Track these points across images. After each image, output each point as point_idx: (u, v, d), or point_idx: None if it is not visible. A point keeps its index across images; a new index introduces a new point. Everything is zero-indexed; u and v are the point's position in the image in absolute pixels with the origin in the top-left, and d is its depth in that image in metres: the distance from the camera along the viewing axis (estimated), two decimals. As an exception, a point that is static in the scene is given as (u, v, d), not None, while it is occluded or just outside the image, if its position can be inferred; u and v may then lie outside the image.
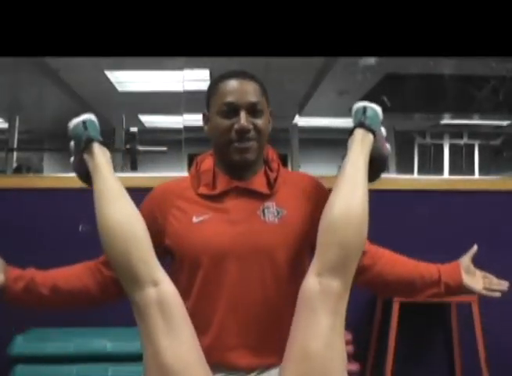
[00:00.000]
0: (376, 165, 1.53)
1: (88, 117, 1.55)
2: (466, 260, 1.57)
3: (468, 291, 1.56)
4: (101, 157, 1.49)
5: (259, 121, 1.47)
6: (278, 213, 1.47)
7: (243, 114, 1.45)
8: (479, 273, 1.58)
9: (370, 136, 1.50)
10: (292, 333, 1.33)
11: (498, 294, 1.56)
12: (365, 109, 1.53)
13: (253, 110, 1.46)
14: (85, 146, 1.49)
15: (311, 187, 1.54)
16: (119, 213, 1.40)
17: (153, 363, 1.30)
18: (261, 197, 1.48)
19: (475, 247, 1.59)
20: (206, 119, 1.53)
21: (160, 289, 1.34)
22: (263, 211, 1.47)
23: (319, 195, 1.52)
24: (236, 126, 1.44)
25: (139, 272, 1.34)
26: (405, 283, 1.55)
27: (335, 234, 1.36)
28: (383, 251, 1.57)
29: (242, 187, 1.49)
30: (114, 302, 1.55)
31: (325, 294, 1.32)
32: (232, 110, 1.45)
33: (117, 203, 1.42)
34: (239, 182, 1.49)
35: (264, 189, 1.49)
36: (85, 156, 1.50)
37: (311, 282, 1.34)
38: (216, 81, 1.52)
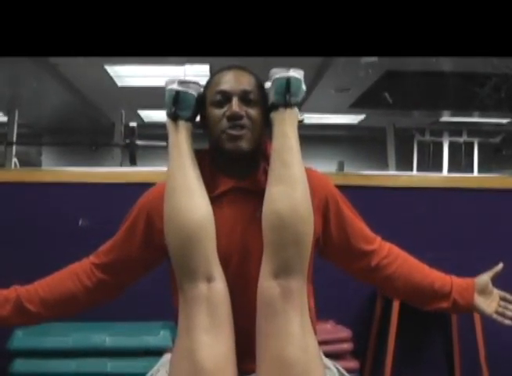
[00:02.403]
0: None
1: (185, 88, 1.45)
2: (484, 278, 1.47)
3: (479, 311, 1.46)
4: (182, 137, 1.44)
5: (252, 111, 1.40)
6: None
7: (235, 100, 1.38)
8: (497, 293, 1.47)
9: (296, 111, 1.42)
10: (262, 341, 1.30)
11: (510, 322, 1.43)
12: (288, 83, 1.41)
13: (246, 98, 1.40)
14: (169, 118, 1.46)
15: (308, 181, 1.44)
16: (192, 203, 1.36)
17: (185, 356, 1.27)
18: (260, 197, 1.41)
19: (500, 266, 1.47)
20: (202, 116, 1.47)
21: (213, 286, 1.31)
22: (261, 211, 1.40)
23: (315, 187, 1.44)
24: (227, 112, 1.39)
25: (196, 265, 1.31)
26: (415, 291, 1.49)
27: (286, 231, 1.31)
28: (397, 253, 1.50)
29: (239, 187, 1.44)
30: (105, 304, 1.52)
31: (286, 296, 1.28)
32: (225, 99, 1.40)
33: (192, 194, 1.37)
34: (236, 182, 1.44)
35: (262, 189, 1.42)
36: (168, 123, 1.47)
37: (269, 286, 1.30)
38: (212, 75, 1.48)
